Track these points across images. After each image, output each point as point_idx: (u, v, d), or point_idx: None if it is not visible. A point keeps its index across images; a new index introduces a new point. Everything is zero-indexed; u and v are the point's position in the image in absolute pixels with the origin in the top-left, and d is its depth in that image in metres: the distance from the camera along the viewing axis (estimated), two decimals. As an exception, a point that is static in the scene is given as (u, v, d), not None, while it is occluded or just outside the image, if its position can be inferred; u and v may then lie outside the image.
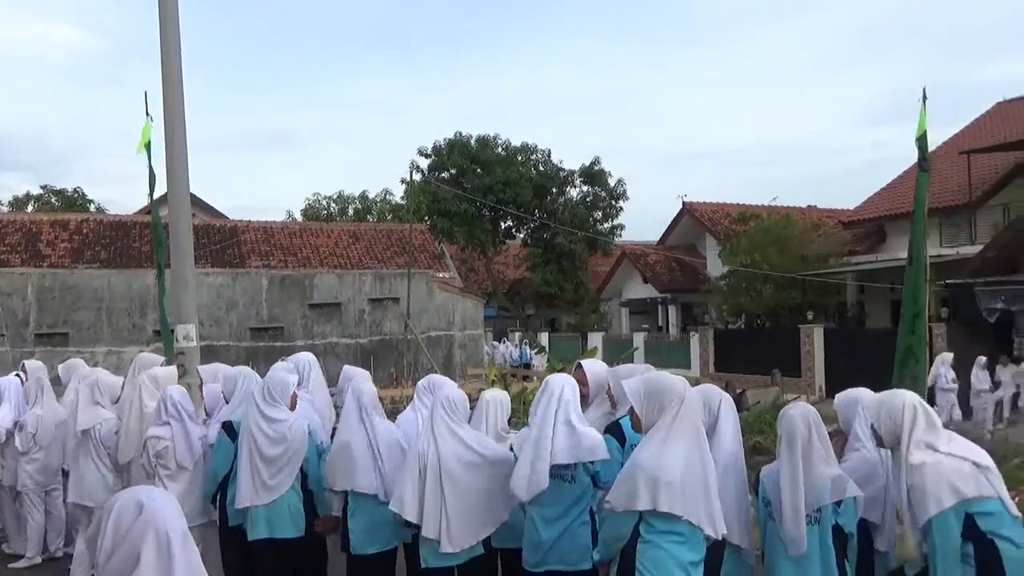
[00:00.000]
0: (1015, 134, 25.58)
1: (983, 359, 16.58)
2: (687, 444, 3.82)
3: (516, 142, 38.37)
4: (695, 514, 3.75)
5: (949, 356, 16.26)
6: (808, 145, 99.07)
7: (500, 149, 37.84)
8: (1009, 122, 27.96)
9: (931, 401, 15.24)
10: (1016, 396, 18.21)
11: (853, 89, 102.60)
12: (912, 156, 12.94)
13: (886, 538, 4.50)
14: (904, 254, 21.32)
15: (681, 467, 3.76)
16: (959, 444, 4.04)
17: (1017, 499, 9.75)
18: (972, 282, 20.01)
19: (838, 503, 4.05)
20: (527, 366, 27.55)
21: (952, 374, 15.64)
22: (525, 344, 29.74)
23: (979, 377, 16.79)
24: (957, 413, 15.55)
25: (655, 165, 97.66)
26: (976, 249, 21.82)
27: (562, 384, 4.69)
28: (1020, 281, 19.20)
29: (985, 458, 3.99)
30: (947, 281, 20.25)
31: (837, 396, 4.76)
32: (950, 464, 3.91)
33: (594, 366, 5.26)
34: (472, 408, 5.21)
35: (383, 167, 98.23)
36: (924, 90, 11.76)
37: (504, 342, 29.88)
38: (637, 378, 4.10)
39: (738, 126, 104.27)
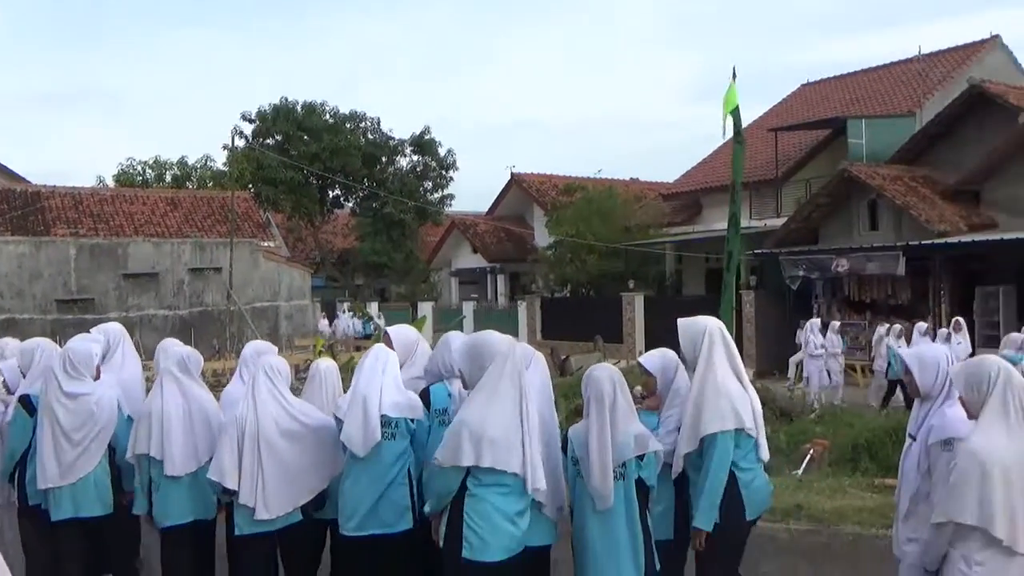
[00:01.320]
0: (817, 114, 27.43)
1: (816, 322, 16.92)
2: (511, 400, 3.96)
3: (344, 110, 37.59)
4: (519, 467, 3.92)
5: (816, 322, 16.72)
6: (633, 120, 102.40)
7: (328, 116, 36.91)
8: (812, 103, 29.93)
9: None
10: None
11: (675, 68, 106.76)
12: (727, 133, 13.72)
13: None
14: (719, 225, 22.44)
15: (504, 422, 3.92)
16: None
17: (811, 449, 10.55)
18: (777, 252, 21.36)
19: (641, 457, 4.24)
20: (368, 337, 27.18)
21: (820, 339, 15.98)
22: (370, 318, 29.24)
23: (812, 341, 16.78)
24: (826, 379, 15.85)
25: (485, 136, 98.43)
26: (781, 221, 23.26)
27: (386, 349, 4.86)
28: (819, 251, 20.67)
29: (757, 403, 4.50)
30: (755, 251, 21.50)
31: (644, 356, 4.94)
32: (739, 393, 4.38)
33: (400, 331, 5.35)
34: (304, 380, 5.16)
35: (204, 132, 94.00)
36: (734, 68, 12.43)
37: (346, 313, 29.34)
38: (462, 338, 4.21)
39: (566, 99, 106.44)
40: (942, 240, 18.29)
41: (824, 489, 8.78)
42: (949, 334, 14.48)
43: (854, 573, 6.44)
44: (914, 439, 4.19)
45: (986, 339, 18.61)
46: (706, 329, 4.45)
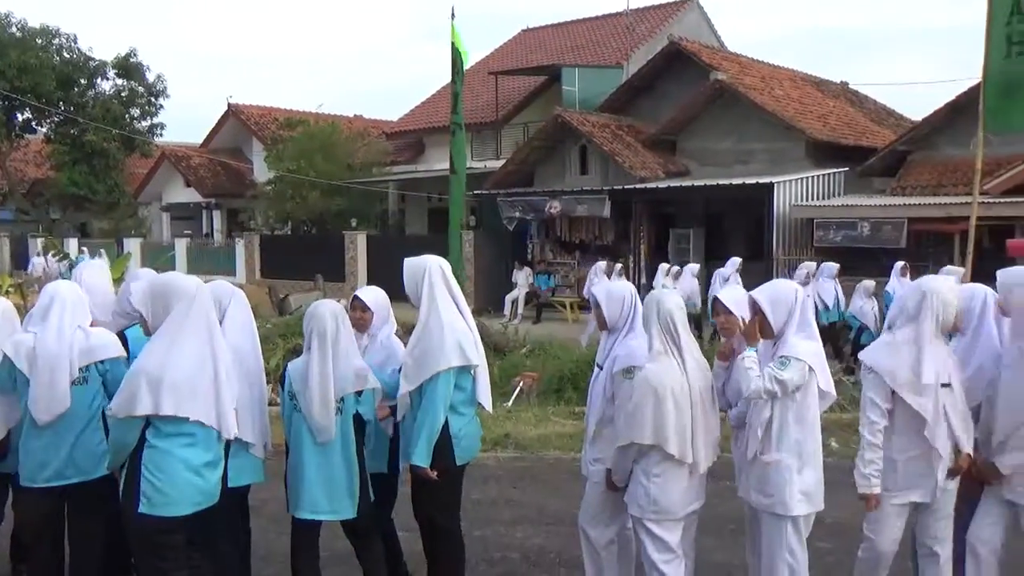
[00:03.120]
0: (536, 60, 28.39)
1: (602, 265, 16.46)
2: (198, 343, 3.77)
3: (35, 23, 33.65)
4: (206, 414, 3.75)
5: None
6: (357, 56, 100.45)
7: (15, 30, 32.93)
8: (532, 48, 30.91)
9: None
10: (529, 295, 20.60)
11: (400, 5, 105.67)
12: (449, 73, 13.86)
13: None
14: (441, 165, 22.68)
15: (189, 367, 3.72)
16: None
17: (521, 381, 11.09)
18: (495, 193, 22.04)
19: (359, 393, 4.28)
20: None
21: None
22: (64, 255, 26.49)
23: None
24: None
25: (200, 65, 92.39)
26: (501, 163, 23.99)
27: (66, 287, 4.49)
28: (534, 192, 21.57)
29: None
30: (475, 192, 22.04)
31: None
32: (463, 329, 4.43)
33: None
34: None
35: None
36: (452, 8, 12.56)
37: (41, 255, 26.47)
38: (144, 281, 3.94)
39: (288, 33, 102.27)
40: (642, 185, 19.75)
41: (531, 419, 9.33)
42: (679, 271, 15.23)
43: (554, 492, 6.92)
44: (600, 368, 4.52)
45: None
46: (427, 268, 4.47)
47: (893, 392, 4.07)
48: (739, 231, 20.48)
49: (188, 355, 3.73)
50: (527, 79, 27.25)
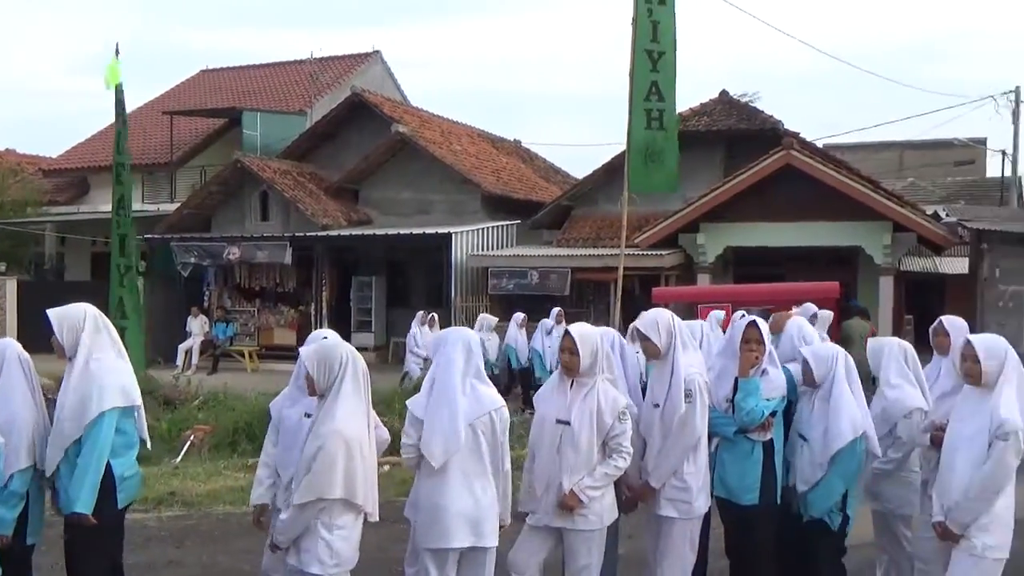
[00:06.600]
0: (215, 101, 27.47)
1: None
2: None
3: None
4: None
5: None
6: (9, 86, 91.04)
7: None
8: (210, 90, 29.85)
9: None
10: (205, 344, 19.66)
11: (61, 36, 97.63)
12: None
13: None
14: (107, 207, 21.13)
15: None
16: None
17: (192, 435, 10.57)
18: (169, 237, 20.92)
19: None
20: None
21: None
22: None
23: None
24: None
25: None
26: (175, 206, 22.84)
27: None
28: (212, 238, 20.75)
29: None
30: (146, 236, 20.75)
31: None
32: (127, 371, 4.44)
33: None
34: None
35: None
36: (117, 45, 11.98)
37: None
38: None
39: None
40: (324, 233, 19.72)
41: (200, 474, 8.89)
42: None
43: (222, 549, 6.61)
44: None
45: (360, 324, 20.59)
46: (85, 315, 4.39)
47: None
48: (420, 279, 21.07)
49: None
50: (205, 121, 26.26)
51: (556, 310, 13.83)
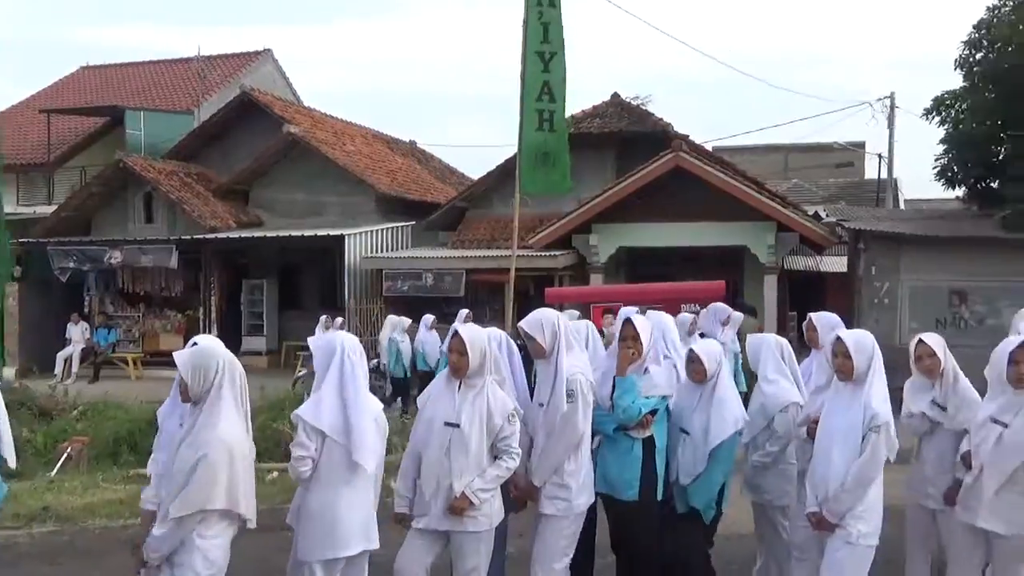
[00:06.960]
0: (96, 100, 26.40)
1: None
2: None
3: None
4: None
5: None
6: None
7: None
8: (91, 88, 28.68)
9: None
10: (86, 351, 18.86)
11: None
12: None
13: None
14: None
15: None
16: None
17: (69, 447, 10.12)
18: (46, 241, 19.98)
19: None
20: None
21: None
22: None
23: None
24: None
25: None
26: (53, 208, 21.87)
27: None
28: (92, 242, 19.90)
29: None
30: (21, 240, 19.77)
31: None
32: None
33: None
34: None
35: None
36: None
37: None
38: None
39: None
40: (213, 235, 19.16)
41: (77, 487, 8.53)
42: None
43: (96, 565, 6.33)
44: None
45: (251, 328, 20.12)
46: None
47: None
48: (313, 282, 20.71)
49: None
50: (86, 120, 25.22)
51: (464, 312, 13.80)
